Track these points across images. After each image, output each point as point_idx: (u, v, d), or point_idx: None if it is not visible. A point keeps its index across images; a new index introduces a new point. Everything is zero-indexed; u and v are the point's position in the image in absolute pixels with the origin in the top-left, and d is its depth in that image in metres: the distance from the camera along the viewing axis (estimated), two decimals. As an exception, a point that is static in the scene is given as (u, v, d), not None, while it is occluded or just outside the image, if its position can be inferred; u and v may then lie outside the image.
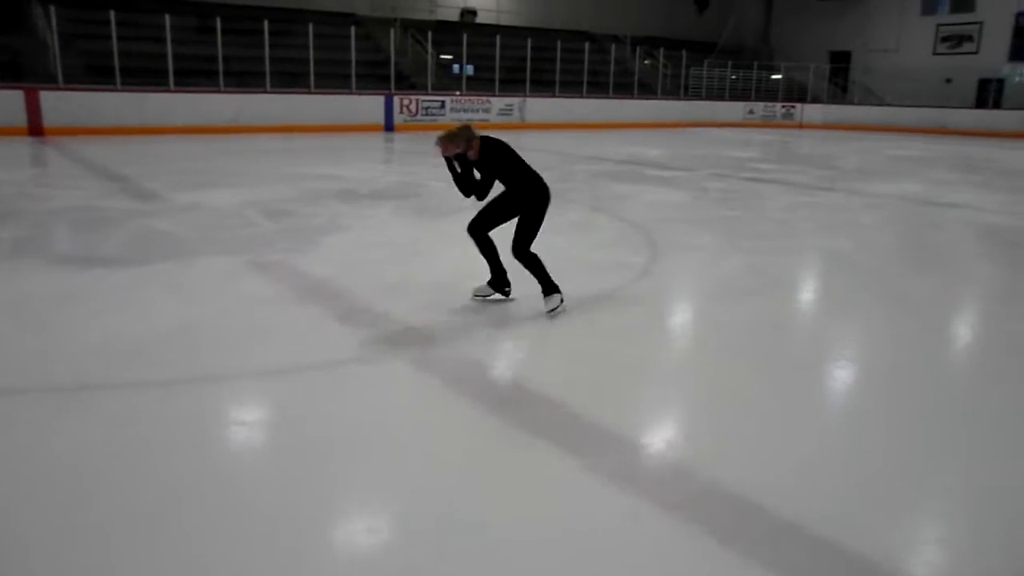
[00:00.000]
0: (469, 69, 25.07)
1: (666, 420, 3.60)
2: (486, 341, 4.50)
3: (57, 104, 17.47)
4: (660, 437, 3.35)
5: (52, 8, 18.08)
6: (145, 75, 18.83)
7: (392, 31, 22.93)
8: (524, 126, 23.78)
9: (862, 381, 4.14)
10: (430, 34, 23.38)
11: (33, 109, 17.21)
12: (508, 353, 4.44)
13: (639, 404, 3.68)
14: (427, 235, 7.46)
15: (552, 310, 4.94)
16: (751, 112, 30.08)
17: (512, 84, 24.65)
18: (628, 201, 9.87)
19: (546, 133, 22.39)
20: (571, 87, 25.87)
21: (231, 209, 8.26)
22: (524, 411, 3.48)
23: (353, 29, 21.82)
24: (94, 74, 18.76)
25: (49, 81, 17.90)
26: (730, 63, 31.14)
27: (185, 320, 4.61)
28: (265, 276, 5.66)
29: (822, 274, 6.62)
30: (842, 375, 4.21)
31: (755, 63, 31.61)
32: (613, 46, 27.62)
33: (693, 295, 5.81)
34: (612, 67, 27.16)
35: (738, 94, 30.93)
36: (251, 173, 11.62)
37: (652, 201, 9.95)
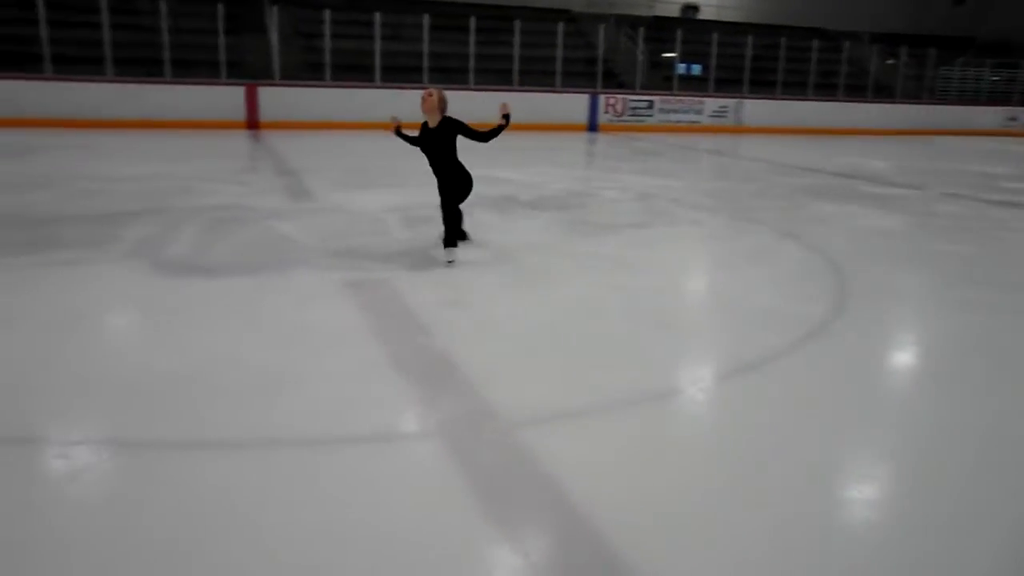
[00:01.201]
0: (696, 68, 23.63)
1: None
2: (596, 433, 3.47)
3: (273, 99, 18.25)
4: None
5: (275, 9, 18.96)
6: (354, 71, 19.28)
7: (602, 27, 22.00)
8: (738, 130, 22.00)
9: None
10: (642, 30, 22.19)
11: (251, 104, 18.10)
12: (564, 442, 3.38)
13: None
14: (563, 258, 6.46)
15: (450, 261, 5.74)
16: (1013, 119, 26.03)
17: (728, 84, 22.90)
18: (828, 225, 8.28)
19: (761, 138, 20.52)
20: (795, 88, 23.62)
21: (371, 214, 7.75)
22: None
23: (562, 26, 21.13)
24: (309, 71, 19.47)
25: (270, 78, 18.76)
26: (988, 62, 27.13)
27: (218, 354, 3.97)
28: (354, 299, 4.95)
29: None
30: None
31: (1022, 61, 27.33)
32: (847, 44, 24.91)
33: (869, 380, 4.07)
34: (844, 67, 24.50)
35: (998, 98, 26.90)
36: (418, 173, 11.13)
37: (858, 227, 8.28)
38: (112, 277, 5.36)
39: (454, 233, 5.90)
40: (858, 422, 3.48)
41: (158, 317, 4.55)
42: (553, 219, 7.97)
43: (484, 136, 5.83)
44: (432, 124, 5.79)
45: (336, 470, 2.88)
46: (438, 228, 7.26)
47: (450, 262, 5.77)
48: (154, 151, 13.20)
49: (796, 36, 24.94)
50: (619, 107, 20.91)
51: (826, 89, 24.24)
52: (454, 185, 5.94)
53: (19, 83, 16.59)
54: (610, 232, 7.47)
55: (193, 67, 18.19)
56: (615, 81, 22.55)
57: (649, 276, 5.88)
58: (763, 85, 23.18)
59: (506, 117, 5.98)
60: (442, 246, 5.93)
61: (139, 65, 18.08)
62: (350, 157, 13.34)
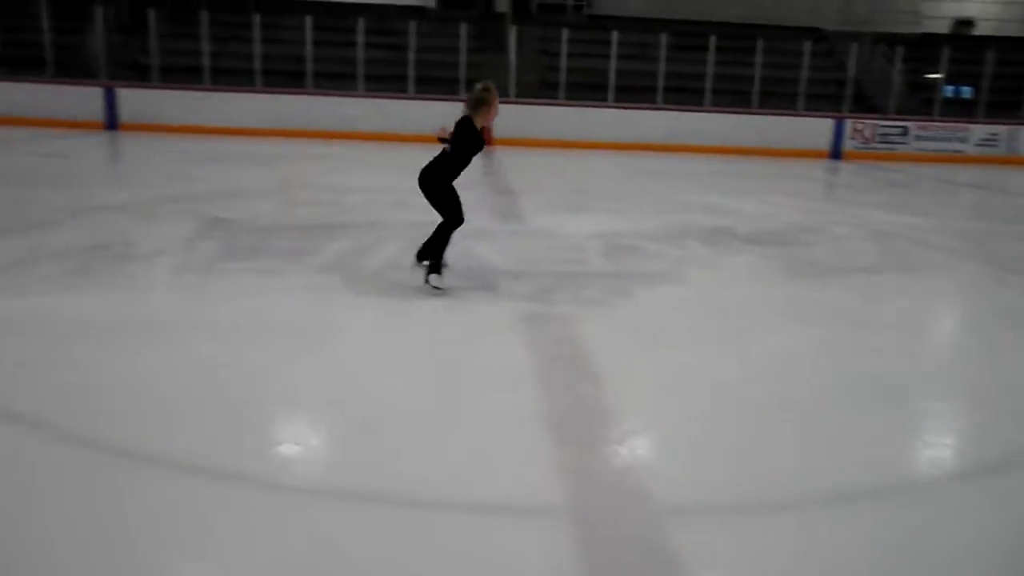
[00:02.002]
0: (967, 91, 21.29)
1: None
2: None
3: (507, 116, 18.57)
4: None
5: (515, 28, 19.37)
6: (588, 90, 19.21)
7: (854, 46, 20.31)
8: (1011, 160, 19.38)
9: None
10: (900, 49, 20.23)
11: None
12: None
13: None
14: (769, 303, 5.77)
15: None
16: None
17: (1002, 108, 20.27)
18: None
19: (1039, 171, 17.93)
20: (1092, 113, 20.42)
21: (573, 239, 7.44)
22: None
23: (808, 44, 19.77)
24: (547, 89, 19.66)
25: (507, 95, 19.17)
26: None
27: (365, 386, 3.82)
28: (528, 334, 4.66)
29: None
30: None
31: None
32: None
33: None
34: None
35: None
36: (634, 197, 10.77)
37: None
38: (295, 290, 5.47)
39: (441, 255, 5.45)
40: None
41: (315, 339, 4.50)
42: (768, 256, 7.24)
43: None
44: (481, 123, 5.27)
45: (441, 540, 2.57)
46: (638, 259, 6.86)
47: (438, 288, 5.33)
48: (389, 163, 13.84)
49: (1094, 54, 21.67)
50: (867, 133, 19.15)
51: None
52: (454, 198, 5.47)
53: (285, 96, 18.21)
54: (832, 275, 6.64)
55: (435, 84, 19.01)
56: (866, 104, 20.74)
57: (871, 333, 5.07)
58: (1048, 110, 20.29)
59: (442, 140, 5.31)
60: (417, 266, 5.49)
61: (388, 81, 19.23)
62: (573, 178, 13.17)
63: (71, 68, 18.84)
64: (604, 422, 3.55)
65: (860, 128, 19.14)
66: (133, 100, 17.69)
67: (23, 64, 18.08)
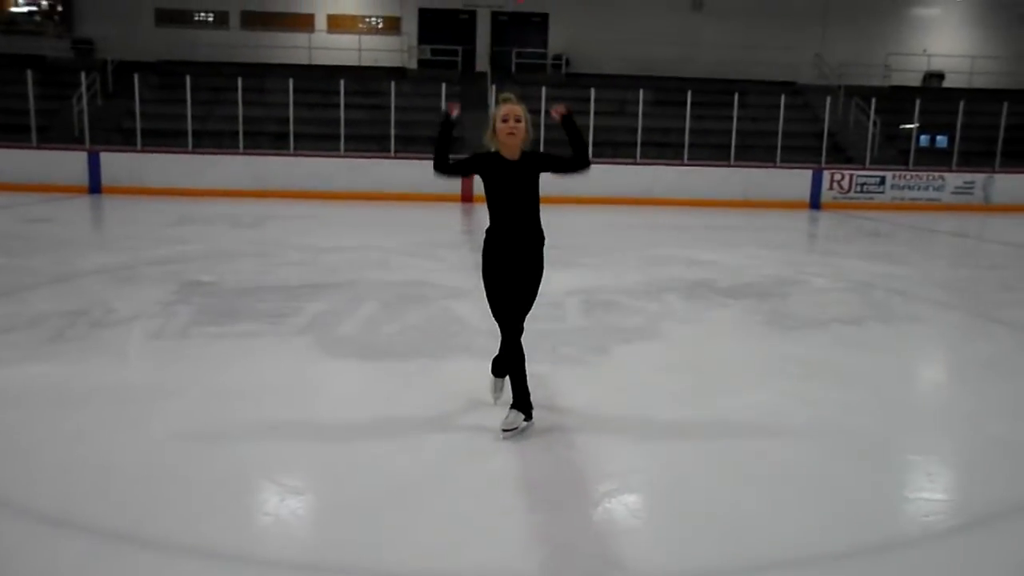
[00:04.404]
0: (942, 140, 21.73)
1: None
2: None
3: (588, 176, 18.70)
4: None
5: (494, 86, 19.67)
6: (566, 146, 19.42)
7: (828, 98, 20.72)
8: (987, 208, 19.68)
9: None
10: (873, 101, 20.65)
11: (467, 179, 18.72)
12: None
13: None
14: (748, 358, 5.77)
15: (509, 429, 3.85)
16: None
17: (975, 157, 20.66)
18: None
19: (1015, 218, 18.19)
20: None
21: (552, 296, 7.40)
22: None
23: (784, 98, 20.16)
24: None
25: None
26: None
27: (335, 456, 3.77)
28: (503, 395, 4.62)
29: None
30: None
31: None
32: None
33: None
34: None
35: None
36: (614, 252, 10.82)
37: None
38: (276, 354, 5.44)
39: (525, 385, 4.00)
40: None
41: (290, 406, 4.44)
42: (748, 309, 7.26)
43: (582, 158, 3.88)
44: (511, 156, 3.82)
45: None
46: (617, 315, 6.85)
47: (508, 432, 3.89)
48: (370, 223, 13.92)
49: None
50: (845, 183, 19.44)
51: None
52: (538, 273, 3.98)
53: (268, 158, 18.36)
54: (812, 328, 6.66)
55: (417, 143, 19.21)
56: (842, 156, 21.11)
57: (850, 387, 5.05)
58: (1019, 157, 20.67)
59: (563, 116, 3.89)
60: (494, 397, 4.31)
61: (370, 141, 19.44)
62: (553, 234, 13.12)
63: (56, 134, 18.97)
64: (577, 485, 3.49)
65: (838, 179, 19.43)
66: (117, 164, 17.77)
67: (9, 131, 18.19)
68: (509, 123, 3.74)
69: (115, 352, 5.40)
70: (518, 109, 3.75)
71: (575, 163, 3.86)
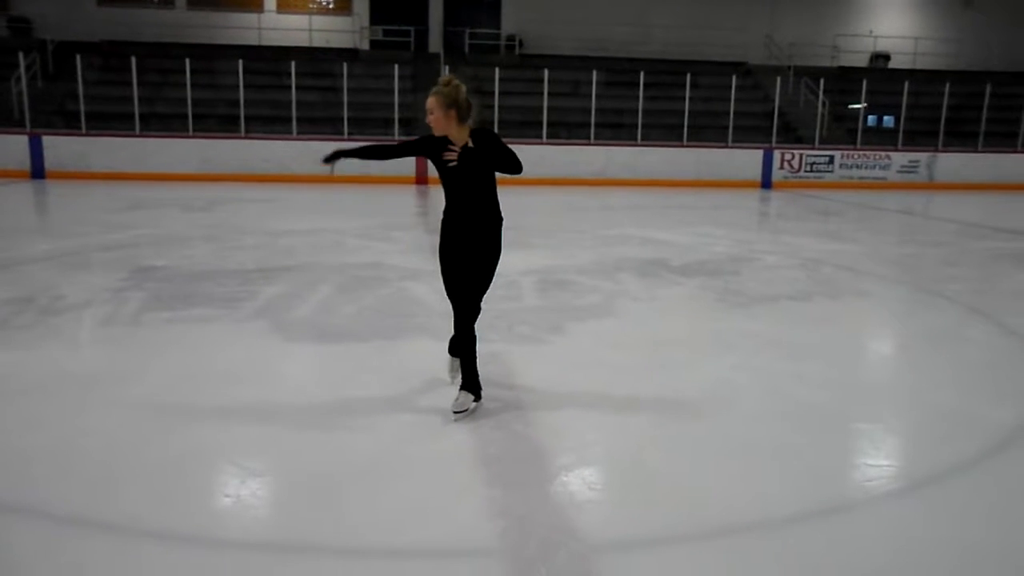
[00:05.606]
0: (889, 119, 22.20)
1: None
2: None
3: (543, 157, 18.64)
4: None
5: (446, 68, 19.54)
6: (523, 128, 19.44)
7: (778, 79, 21.03)
8: (931, 186, 20.21)
9: None
10: (822, 81, 21.02)
11: (421, 161, 18.65)
12: None
13: None
14: (701, 334, 5.89)
15: (460, 411, 3.90)
16: None
17: (920, 136, 21.18)
18: (1030, 302, 7.17)
19: (957, 195, 18.71)
20: (999, 140, 21.46)
21: (507, 276, 7.46)
22: None
23: (734, 78, 20.42)
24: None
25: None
26: None
27: (294, 442, 3.78)
28: (460, 374, 4.66)
29: None
30: None
31: None
32: (1066, 91, 22.42)
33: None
34: (1061, 116, 22.03)
35: None
36: (571, 232, 10.91)
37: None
38: (231, 338, 5.40)
39: (474, 367, 4.03)
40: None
41: (247, 388, 4.43)
42: (701, 287, 7.39)
43: (513, 170, 3.81)
44: (458, 139, 3.79)
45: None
46: (572, 293, 6.93)
47: (459, 413, 3.91)
48: (324, 206, 13.79)
49: (1005, 82, 22.82)
50: (796, 163, 19.80)
51: (1037, 141, 21.91)
52: (493, 255, 4.01)
53: (218, 141, 18.03)
54: (763, 304, 6.80)
55: (370, 124, 19.05)
56: (792, 136, 21.46)
57: (800, 360, 5.19)
58: (961, 136, 21.25)
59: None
60: (451, 376, 4.29)
61: (323, 123, 19.23)
62: (508, 214, 13.21)
63: (-5, 116, 18.42)
64: (534, 457, 3.56)
65: (789, 159, 19.76)
66: (61, 148, 17.31)
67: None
68: (429, 116, 3.79)
69: (66, 339, 5.31)
70: (430, 100, 3.76)
71: (509, 170, 3.85)
